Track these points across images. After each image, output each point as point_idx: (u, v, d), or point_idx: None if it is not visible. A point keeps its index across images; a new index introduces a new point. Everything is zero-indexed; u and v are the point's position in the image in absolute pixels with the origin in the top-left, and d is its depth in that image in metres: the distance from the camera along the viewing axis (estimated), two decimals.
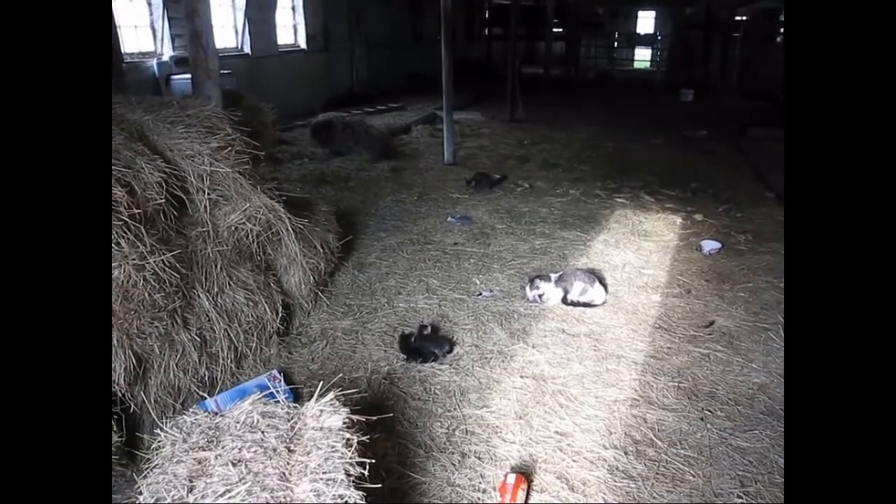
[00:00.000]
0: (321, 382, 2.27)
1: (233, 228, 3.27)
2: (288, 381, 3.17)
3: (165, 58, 8.53)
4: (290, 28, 12.13)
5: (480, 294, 4.25)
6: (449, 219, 5.88)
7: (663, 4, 24.66)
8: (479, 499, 2.41)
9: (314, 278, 3.89)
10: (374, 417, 2.28)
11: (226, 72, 7.47)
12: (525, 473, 2.47)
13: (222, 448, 1.92)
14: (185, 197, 3.07)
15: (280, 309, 3.47)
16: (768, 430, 2.83)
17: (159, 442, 2.00)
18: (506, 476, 2.37)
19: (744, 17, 18.56)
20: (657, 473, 2.56)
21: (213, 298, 3.09)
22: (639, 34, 27.33)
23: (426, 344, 3.46)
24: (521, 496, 2.33)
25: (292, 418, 2.06)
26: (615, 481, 2.51)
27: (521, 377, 3.24)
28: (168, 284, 2.66)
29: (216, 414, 2.15)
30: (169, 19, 8.44)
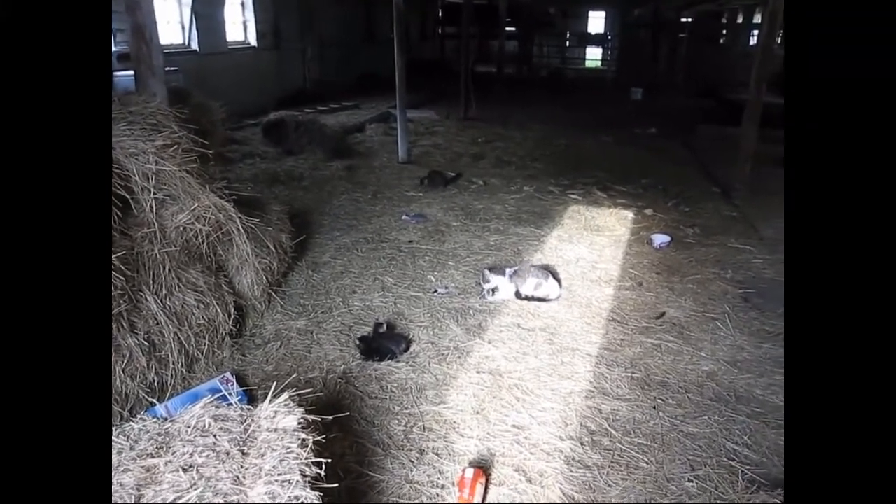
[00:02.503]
0: (275, 383, 2.23)
1: (181, 229, 3.18)
2: (241, 383, 3.10)
3: None
4: (239, 25, 11.86)
5: (436, 291, 4.25)
6: (403, 217, 5.86)
7: (613, 5, 25.18)
8: (437, 495, 2.41)
9: (267, 279, 3.82)
10: (331, 417, 2.25)
11: (172, 69, 7.23)
12: (483, 468, 2.49)
13: (172, 454, 1.86)
14: (129, 196, 2.97)
15: (232, 310, 3.39)
16: (716, 415, 2.93)
17: None
18: (464, 471, 2.38)
19: (689, 19, 19.15)
20: (612, 462, 2.62)
21: (161, 301, 3.00)
22: (590, 34, 27.87)
23: (382, 342, 3.44)
24: (479, 490, 2.34)
25: (245, 420, 2.02)
26: (572, 471, 2.55)
27: (478, 372, 3.26)
28: (112, 287, 2.57)
29: (166, 419, 2.09)
30: None
